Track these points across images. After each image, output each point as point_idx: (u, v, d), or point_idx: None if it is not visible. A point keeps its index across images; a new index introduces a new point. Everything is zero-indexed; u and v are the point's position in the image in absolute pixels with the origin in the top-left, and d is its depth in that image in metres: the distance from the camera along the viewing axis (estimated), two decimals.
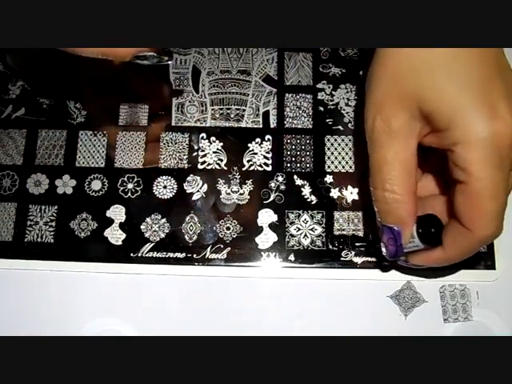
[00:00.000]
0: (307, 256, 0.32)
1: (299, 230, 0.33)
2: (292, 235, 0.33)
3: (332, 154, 0.34)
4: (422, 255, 0.28)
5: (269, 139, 0.35)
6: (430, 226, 0.27)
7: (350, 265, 0.32)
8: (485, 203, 0.24)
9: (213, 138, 0.35)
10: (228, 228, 0.33)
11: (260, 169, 0.34)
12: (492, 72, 0.24)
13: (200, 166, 0.34)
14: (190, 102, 0.35)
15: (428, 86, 0.25)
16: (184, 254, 0.32)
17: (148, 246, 0.32)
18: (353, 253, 0.32)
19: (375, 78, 0.27)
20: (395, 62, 0.26)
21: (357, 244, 0.32)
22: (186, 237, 0.33)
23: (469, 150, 0.24)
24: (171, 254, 0.32)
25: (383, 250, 0.29)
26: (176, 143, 0.34)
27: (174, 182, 0.34)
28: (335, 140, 0.34)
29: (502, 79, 0.25)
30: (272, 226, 0.33)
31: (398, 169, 0.26)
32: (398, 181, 0.26)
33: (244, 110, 0.35)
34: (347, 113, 0.35)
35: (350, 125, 0.35)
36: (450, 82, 0.24)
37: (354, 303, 0.32)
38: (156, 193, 0.34)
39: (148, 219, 0.33)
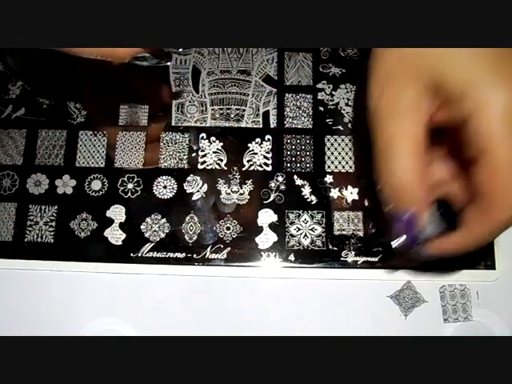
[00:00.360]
0: (307, 256, 0.32)
1: (299, 230, 0.33)
2: (292, 235, 0.33)
3: (332, 154, 0.34)
4: (439, 242, 0.26)
5: (269, 139, 0.35)
6: (446, 210, 0.26)
7: (350, 265, 0.32)
8: (505, 176, 0.22)
9: (213, 138, 0.35)
10: (228, 228, 0.33)
11: (260, 169, 0.34)
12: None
13: (200, 166, 0.34)
14: (190, 102, 0.35)
15: (441, 54, 0.23)
16: (184, 254, 0.32)
17: (148, 246, 0.32)
18: (353, 253, 0.32)
19: (381, 54, 0.26)
20: None
21: (358, 244, 0.32)
22: (186, 237, 0.33)
23: (484, 122, 0.22)
24: (171, 254, 0.32)
25: (397, 242, 0.27)
26: (176, 143, 0.34)
27: (173, 182, 0.34)
28: (335, 140, 0.34)
29: None
30: (272, 226, 0.33)
31: (408, 148, 0.24)
32: (409, 162, 0.24)
33: (244, 110, 0.35)
34: (347, 113, 0.35)
35: (349, 125, 0.35)
36: (464, 50, 0.23)
37: (354, 303, 0.32)
38: (156, 193, 0.34)
39: (148, 219, 0.33)
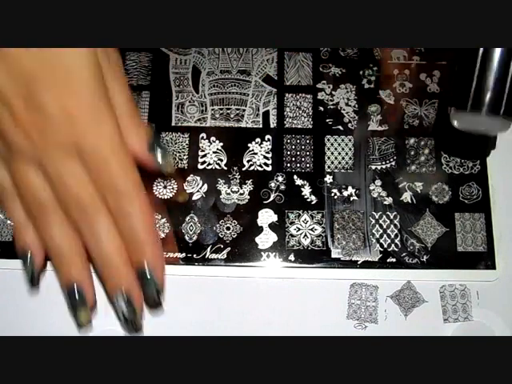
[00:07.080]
0: (307, 256, 0.32)
1: (299, 229, 0.33)
2: (292, 235, 0.33)
3: (332, 153, 0.34)
4: None
5: (269, 139, 0.35)
6: None
7: (350, 265, 0.32)
8: None
9: (213, 138, 0.35)
10: (228, 228, 0.33)
11: (260, 169, 0.34)
12: None
13: (200, 166, 0.34)
14: (190, 102, 0.35)
15: None
16: (184, 254, 0.32)
17: None
18: (353, 253, 0.32)
19: None
20: None
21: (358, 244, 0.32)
22: (186, 237, 0.33)
23: None
24: (171, 254, 0.32)
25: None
26: (176, 143, 0.34)
27: (174, 182, 0.34)
28: (335, 140, 0.34)
29: None
30: (272, 226, 0.33)
31: None
32: None
33: (244, 110, 0.35)
34: (347, 113, 0.35)
35: (349, 125, 0.35)
36: None
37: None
38: (156, 193, 0.34)
39: None
